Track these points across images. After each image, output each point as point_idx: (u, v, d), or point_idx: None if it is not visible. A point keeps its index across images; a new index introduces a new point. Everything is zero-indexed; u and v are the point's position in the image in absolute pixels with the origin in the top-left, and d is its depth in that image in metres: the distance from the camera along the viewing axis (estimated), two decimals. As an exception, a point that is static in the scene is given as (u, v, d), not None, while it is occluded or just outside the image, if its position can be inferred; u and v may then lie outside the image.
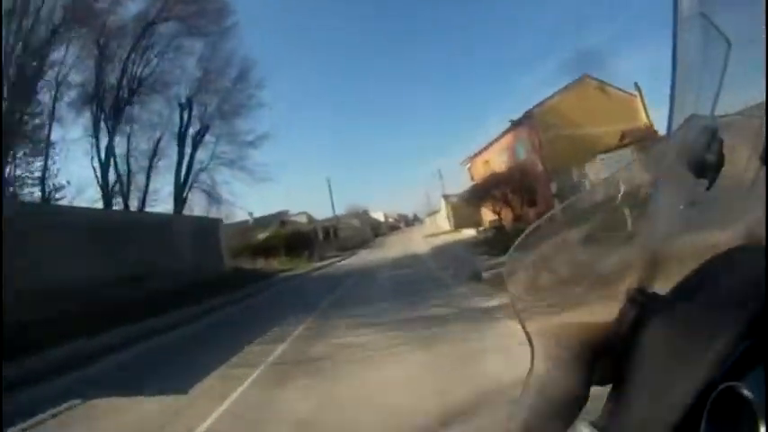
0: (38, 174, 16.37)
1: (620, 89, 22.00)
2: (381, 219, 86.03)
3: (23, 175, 15.98)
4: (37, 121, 16.59)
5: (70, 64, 18.26)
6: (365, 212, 71.97)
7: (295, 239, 30.47)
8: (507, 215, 22.09)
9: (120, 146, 21.62)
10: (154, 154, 22.79)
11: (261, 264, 25.08)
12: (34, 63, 16.22)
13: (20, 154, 15.79)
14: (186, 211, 23.69)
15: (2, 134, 11.82)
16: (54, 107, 17.64)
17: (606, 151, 17.07)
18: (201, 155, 24.94)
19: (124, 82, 20.81)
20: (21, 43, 15.45)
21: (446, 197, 41.74)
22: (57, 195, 16.95)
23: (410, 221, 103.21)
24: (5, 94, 14.59)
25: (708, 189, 0.51)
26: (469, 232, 26.31)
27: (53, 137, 17.46)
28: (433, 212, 61.29)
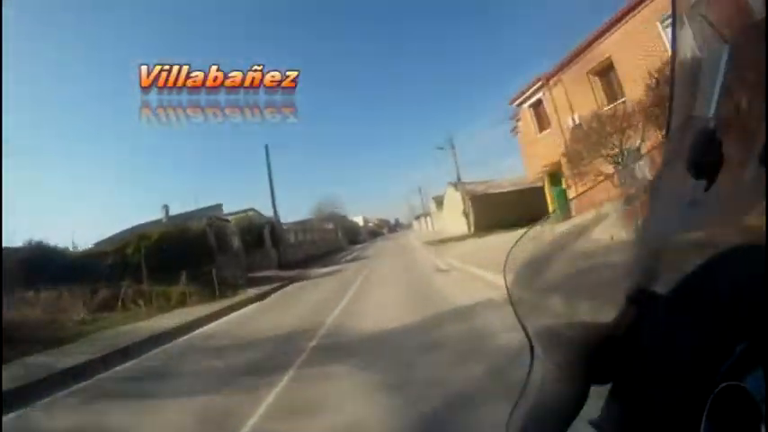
0: None
1: None
2: (360, 222, 75.02)
3: None
4: None
5: None
6: (342, 216, 56.87)
7: (176, 249, 14.60)
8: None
9: None
10: None
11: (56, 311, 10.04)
12: None
13: None
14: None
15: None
16: None
17: None
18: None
19: None
20: None
21: (459, 185, 26.86)
22: None
23: (393, 227, 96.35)
24: None
25: (706, 189, 0.52)
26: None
27: None
28: (422, 215, 51.59)
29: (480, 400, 2.85)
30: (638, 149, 9.35)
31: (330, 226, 46.30)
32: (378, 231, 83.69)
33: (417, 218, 60.62)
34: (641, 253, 0.58)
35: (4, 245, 11.25)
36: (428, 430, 2.84)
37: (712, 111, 0.52)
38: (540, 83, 15.38)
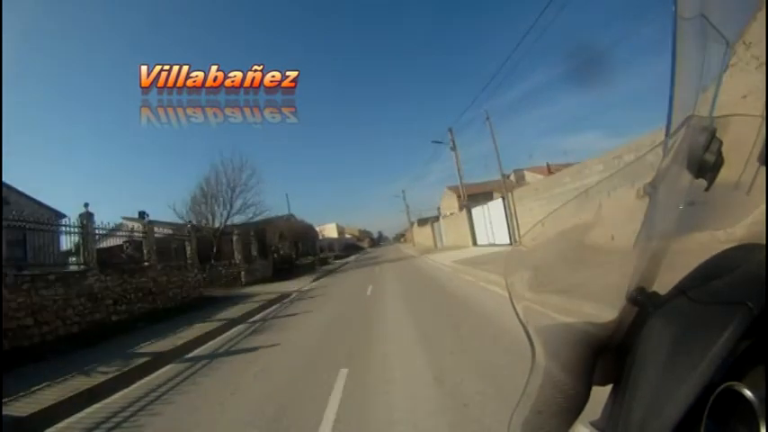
0: None
1: None
2: (334, 233, 56.56)
3: None
4: None
5: None
6: (290, 216, 31.87)
7: None
8: None
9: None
10: None
11: None
12: None
13: None
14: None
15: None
16: None
17: None
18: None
19: None
20: None
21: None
22: None
23: (376, 240, 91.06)
24: None
25: (707, 189, 0.52)
26: None
27: None
28: (424, 220, 35.61)
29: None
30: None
31: (238, 237, 19.58)
32: (356, 245, 68.86)
33: (421, 224, 41.37)
34: (641, 253, 0.58)
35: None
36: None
37: (712, 110, 0.52)
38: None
